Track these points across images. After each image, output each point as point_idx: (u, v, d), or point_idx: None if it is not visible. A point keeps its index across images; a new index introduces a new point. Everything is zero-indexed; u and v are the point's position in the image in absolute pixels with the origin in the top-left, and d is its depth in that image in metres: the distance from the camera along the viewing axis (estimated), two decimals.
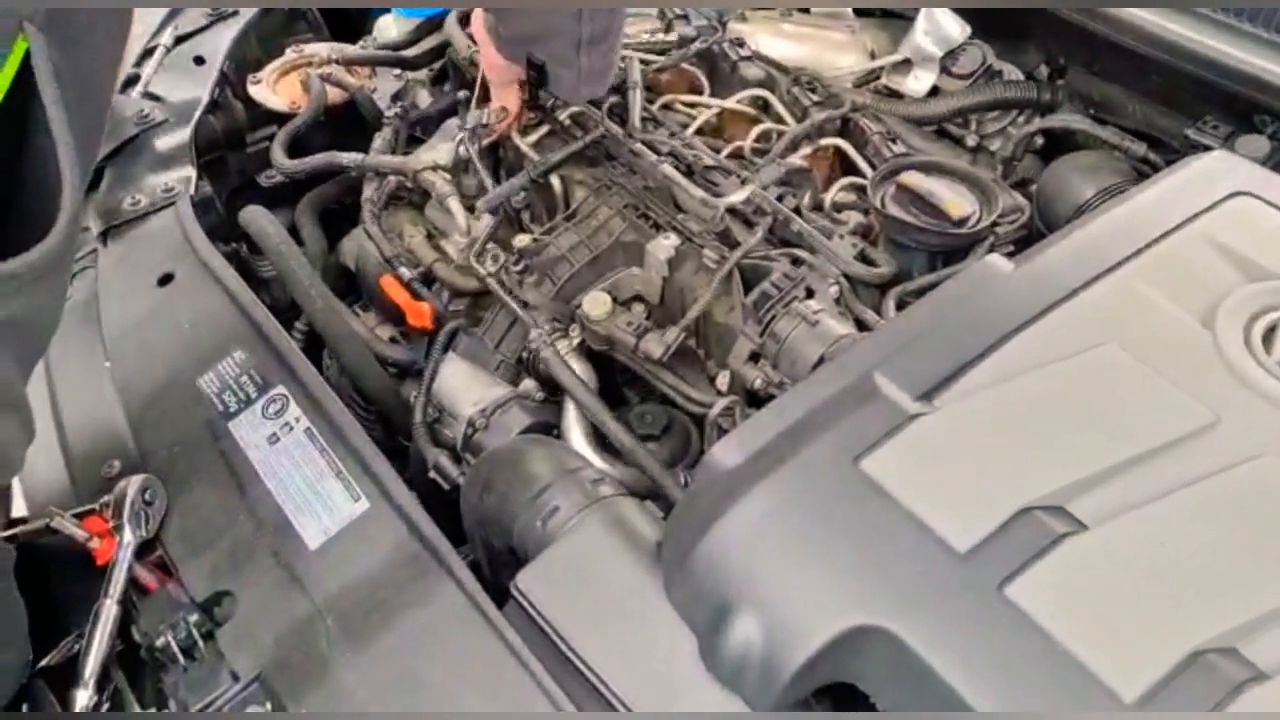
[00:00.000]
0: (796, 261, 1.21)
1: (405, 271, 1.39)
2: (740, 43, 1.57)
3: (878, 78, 1.61)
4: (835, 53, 1.63)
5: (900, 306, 1.19)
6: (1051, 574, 0.74)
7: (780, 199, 1.27)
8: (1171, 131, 1.38)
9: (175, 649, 0.95)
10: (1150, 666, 0.69)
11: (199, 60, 1.65)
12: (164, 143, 1.51)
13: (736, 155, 1.43)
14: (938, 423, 0.84)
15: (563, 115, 1.45)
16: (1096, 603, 0.73)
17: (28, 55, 0.69)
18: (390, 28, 1.80)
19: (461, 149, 1.41)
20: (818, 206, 1.37)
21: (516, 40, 1.29)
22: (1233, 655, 0.70)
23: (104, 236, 1.38)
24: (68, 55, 0.73)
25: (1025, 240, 1.27)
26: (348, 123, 1.65)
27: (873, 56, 1.63)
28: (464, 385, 1.25)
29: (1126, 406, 0.84)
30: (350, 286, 1.53)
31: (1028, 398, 0.85)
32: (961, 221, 1.21)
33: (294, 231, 1.51)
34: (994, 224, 1.23)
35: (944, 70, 1.55)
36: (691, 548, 0.82)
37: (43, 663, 0.98)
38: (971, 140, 1.52)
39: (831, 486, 0.81)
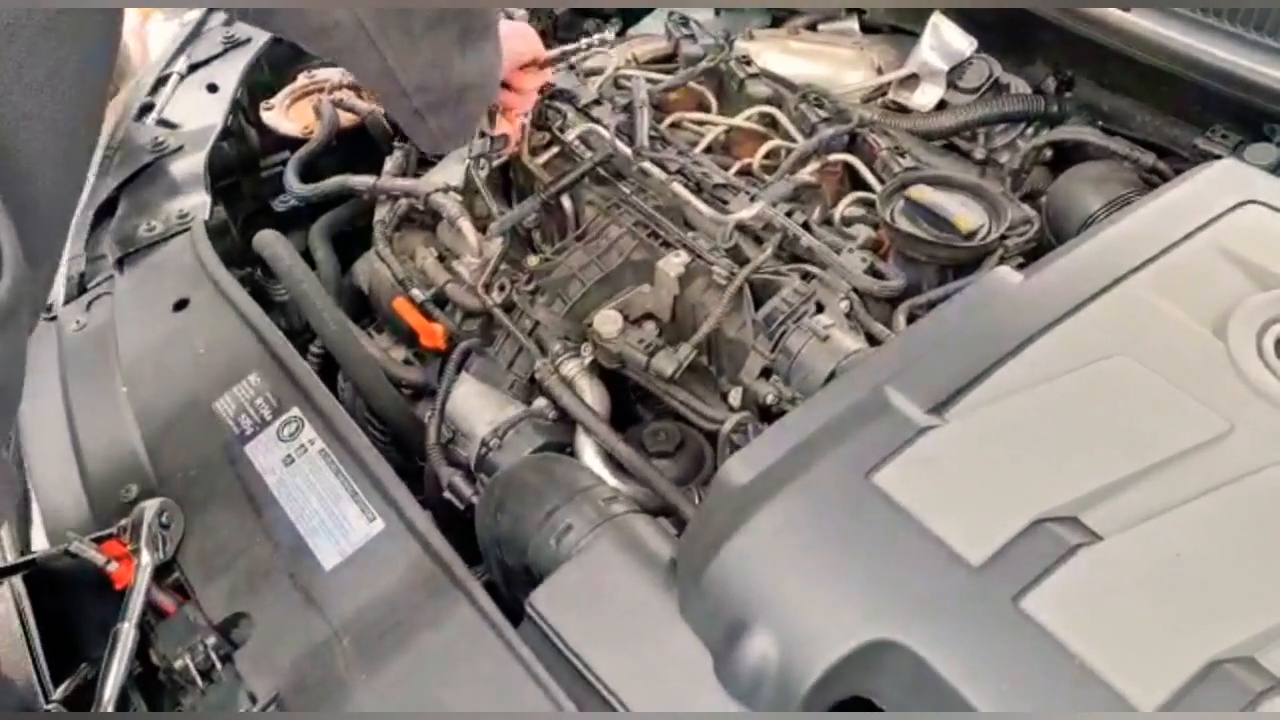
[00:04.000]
0: (806, 277, 1.21)
1: (417, 293, 1.40)
2: (747, 60, 1.58)
3: (885, 93, 1.61)
4: (842, 69, 1.64)
5: (910, 320, 1.19)
6: (1066, 585, 0.74)
7: (789, 215, 1.27)
8: (1181, 141, 1.38)
9: (194, 672, 0.95)
10: (1167, 677, 0.69)
11: (212, 88, 1.67)
12: (179, 169, 1.53)
13: (745, 172, 1.44)
14: (949, 435, 0.83)
15: (570, 136, 1.46)
16: (1111, 614, 0.73)
17: None
18: None
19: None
20: (827, 221, 1.37)
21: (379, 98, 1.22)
22: (1250, 665, 0.69)
23: (120, 263, 1.40)
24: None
25: (1035, 252, 1.26)
26: (360, 146, 1.67)
27: (880, 72, 1.63)
28: (477, 405, 1.26)
29: (1139, 416, 0.84)
30: (364, 308, 1.55)
31: (1039, 409, 0.85)
32: (971, 235, 1.21)
33: (308, 255, 1.52)
34: (1003, 236, 1.23)
35: (951, 85, 1.56)
36: (705, 565, 0.82)
37: (56, 694, 0.99)
38: (980, 153, 1.52)
39: (844, 501, 0.81)
